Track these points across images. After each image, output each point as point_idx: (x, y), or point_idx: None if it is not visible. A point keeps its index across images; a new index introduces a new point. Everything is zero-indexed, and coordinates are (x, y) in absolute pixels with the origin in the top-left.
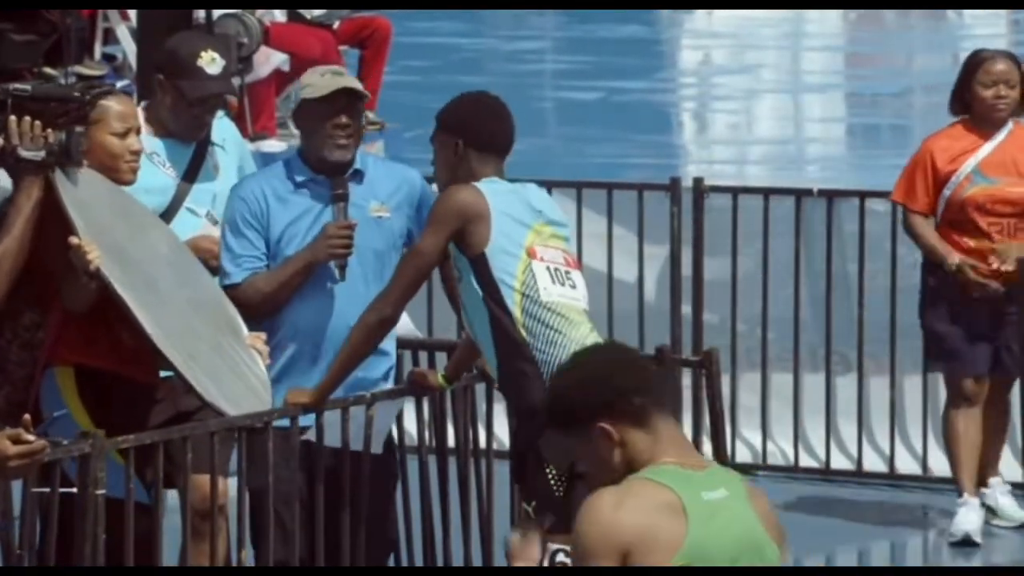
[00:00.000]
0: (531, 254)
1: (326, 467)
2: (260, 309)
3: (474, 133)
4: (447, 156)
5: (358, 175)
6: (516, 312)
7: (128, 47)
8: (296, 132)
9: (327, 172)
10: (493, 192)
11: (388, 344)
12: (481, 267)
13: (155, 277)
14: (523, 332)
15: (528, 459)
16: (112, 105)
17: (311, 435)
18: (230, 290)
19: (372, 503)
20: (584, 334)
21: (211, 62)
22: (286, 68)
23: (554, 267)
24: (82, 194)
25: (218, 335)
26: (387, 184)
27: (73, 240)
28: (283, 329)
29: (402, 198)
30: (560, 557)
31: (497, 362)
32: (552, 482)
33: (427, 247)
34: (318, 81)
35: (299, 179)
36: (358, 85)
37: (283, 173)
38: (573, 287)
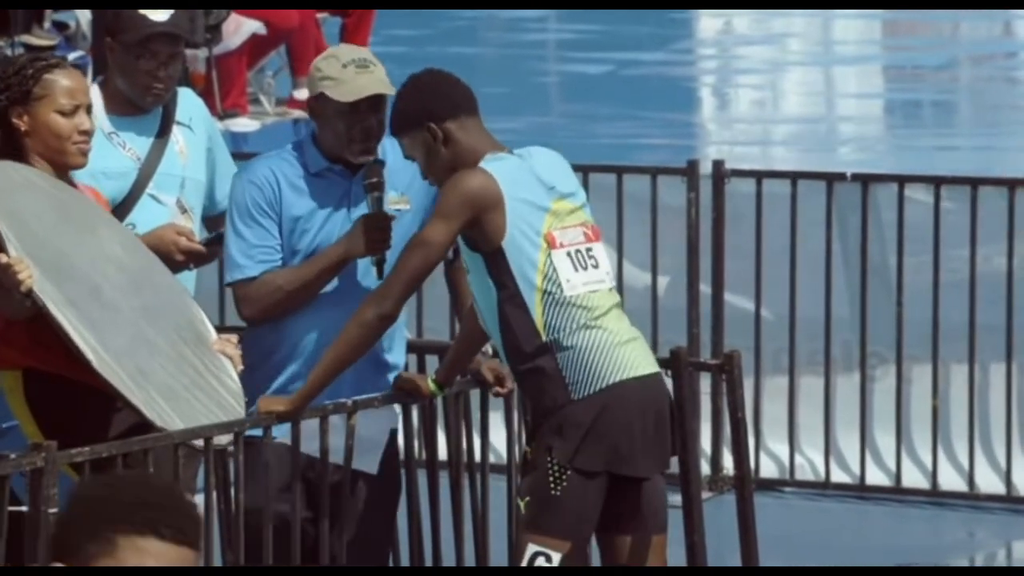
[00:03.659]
0: (550, 242)
1: (305, 480)
2: (276, 310)
3: (435, 107)
4: (429, 148)
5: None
6: (537, 312)
7: (81, 13)
8: (270, 110)
9: (345, 163)
10: (504, 175)
11: (395, 354)
12: (498, 263)
13: (102, 286)
14: (544, 333)
15: (531, 450)
16: (58, 79)
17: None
18: (241, 285)
19: (364, 529)
20: (606, 321)
21: (154, 11)
22: (263, 32)
23: (575, 249)
24: (18, 199)
25: (179, 345)
26: (405, 172)
27: (2, 259)
28: (290, 336)
29: (420, 185)
30: (540, 561)
31: (512, 362)
32: (552, 478)
33: (436, 238)
34: (341, 75)
35: (313, 169)
36: (386, 86)
37: (295, 159)
38: (596, 266)
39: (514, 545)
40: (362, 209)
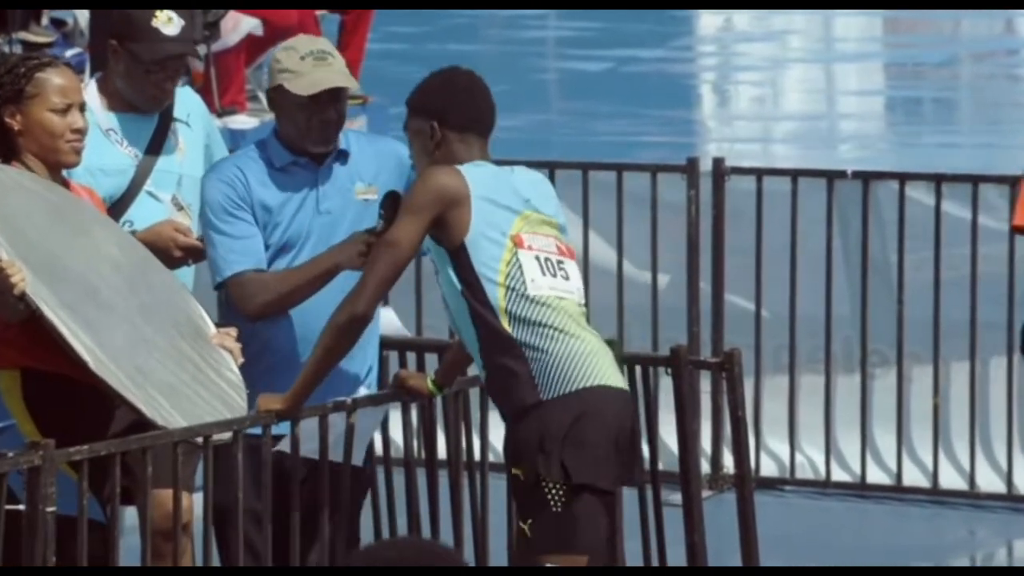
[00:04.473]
0: (517, 242)
1: (300, 479)
2: (269, 309)
3: (450, 112)
4: (423, 142)
5: (342, 155)
6: (500, 308)
7: (80, 11)
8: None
9: (309, 155)
10: (475, 175)
11: (367, 351)
12: (461, 259)
13: (97, 286)
14: (509, 329)
15: (521, 472)
16: (51, 78)
17: (284, 445)
18: (235, 282)
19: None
20: (578, 330)
21: (167, 22)
22: (259, 33)
23: (544, 256)
24: (10, 202)
25: (178, 341)
26: (371, 163)
27: None
28: (289, 331)
29: (388, 176)
30: None
31: (482, 361)
32: (550, 496)
33: (403, 237)
34: (298, 68)
35: (278, 164)
36: (345, 79)
37: (259, 156)
38: (566, 278)
39: (527, 567)
40: (331, 199)
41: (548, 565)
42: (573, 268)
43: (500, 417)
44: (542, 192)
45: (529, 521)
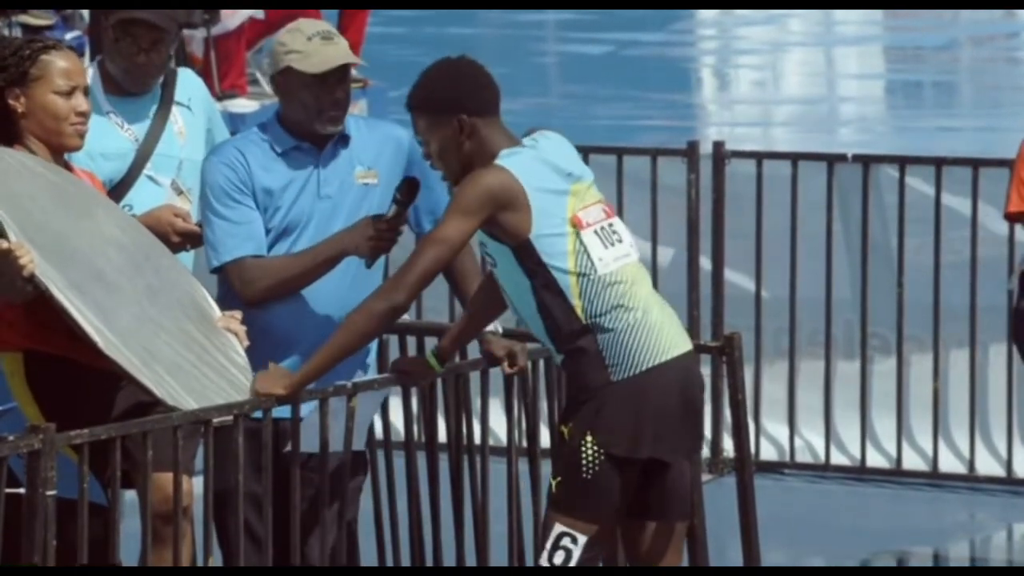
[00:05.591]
0: (577, 224)
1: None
2: (271, 293)
3: (470, 101)
4: (451, 138)
5: (343, 140)
6: (574, 298)
7: None
8: (269, 90)
9: (312, 140)
10: (522, 168)
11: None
12: (528, 254)
13: (103, 268)
14: (583, 316)
15: (568, 430)
16: (55, 60)
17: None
18: (234, 267)
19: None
20: (644, 301)
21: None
22: (259, 16)
23: (600, 227)
24: (14, 185)
25: (184, 323)
26: (371, 147)
27: (2, 244)
28: (288, 315)
29: (388, 160)
30: (565, 541)
31: (555, 347)
32: (583, 462)
33: (452, 235)
34: (306, 48)
35: (280, 148)
36: (351, 56)
37: (260, 139)
38: (620, 240)
39: (541, 521)
40: (331, 184)
41: (557, 524)
42: (620, 225)
43: (499, 403)
44: (569, 155)
45: (559, 479)
